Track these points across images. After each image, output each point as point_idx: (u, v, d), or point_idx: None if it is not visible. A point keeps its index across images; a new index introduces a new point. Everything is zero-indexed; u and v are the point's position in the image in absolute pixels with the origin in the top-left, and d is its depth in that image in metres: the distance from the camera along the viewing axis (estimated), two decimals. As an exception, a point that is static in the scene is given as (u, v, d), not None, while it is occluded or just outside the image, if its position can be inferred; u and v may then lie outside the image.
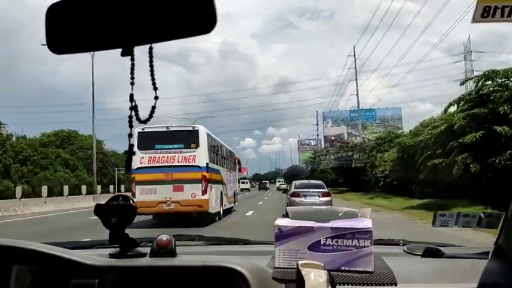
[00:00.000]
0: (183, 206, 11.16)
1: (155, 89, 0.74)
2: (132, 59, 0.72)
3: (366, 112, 63.64)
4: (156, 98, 0.74)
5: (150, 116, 0.74)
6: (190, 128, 12.30)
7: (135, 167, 10.87)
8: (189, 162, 11.38)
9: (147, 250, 1.00)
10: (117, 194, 1.04)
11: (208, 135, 12.36)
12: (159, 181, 11.25)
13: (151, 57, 0.72)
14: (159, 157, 11.45)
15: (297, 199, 13.31)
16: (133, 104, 0.73)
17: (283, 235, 1.01)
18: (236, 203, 17.24)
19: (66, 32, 0.74)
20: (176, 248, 0.99)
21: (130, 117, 0.74)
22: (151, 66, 0.73)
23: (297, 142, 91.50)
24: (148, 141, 11.37)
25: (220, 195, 13.14)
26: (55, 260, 0.93)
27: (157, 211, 11.29)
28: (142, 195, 11.09)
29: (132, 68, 0.73)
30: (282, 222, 1.03)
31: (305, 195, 13.60)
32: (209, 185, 11.53)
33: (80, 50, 0.76)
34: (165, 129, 11.79)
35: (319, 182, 15.70)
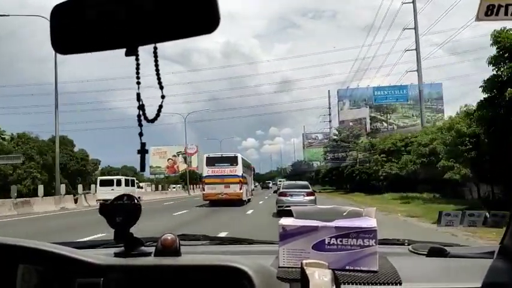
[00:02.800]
0: (229, 196, 21.35)
1: (161, 88, 0.74)
2: (137, 59, 0.73)
3: (393, 89, 47.25)
4: (163, 97, 0.74)
5: (157, 115, 0.75)
6: (233, 155, 23.19)
7: (204, 175, 22.56)
8: (232, 173, 21.87)
9: (152, 249, 1.01)
10: (122, 193, 1.05)
11: (242, 158, 23.48)
12: (217, 183, 21.70)
13: (156, 56, 0.72)
14: (217, 170, 22.09)
15: (284, 198, 14.96)
16: (141, 103, 0.74)
17: (287, 234, 1.01)
18: (252, 196, 27.49)
19: (70, 32, 0.75)
20: (181, 248, 1.00)
21: (139, 116, 0.74)
22: (156, 65, 0.73)
23: (302, 136, 76.76)
24: (212, 161, 22.40)
25: (246, 190, 23.44)
26: (61, 259, 0.94)
27: (216, 199, 21.47)
28: (208, 190, 21.90)
29: (137, 68, 0.74)
30: (286, 221, 1.03)
31: (291, 195, 15.11)
32: (242, 185, 22.08)
33: (85, 50, 0.76)
34: (220, 155, 23.19)
35: (305, 182, 17.70)
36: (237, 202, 20.86)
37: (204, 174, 22.85)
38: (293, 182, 19.07)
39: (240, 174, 22.01)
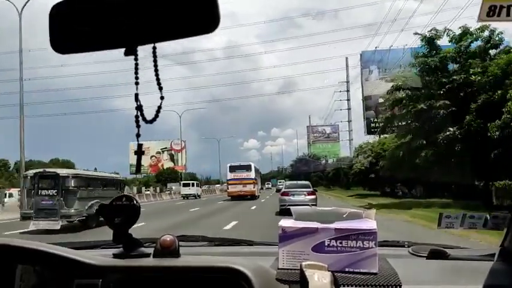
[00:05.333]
0: (246, 193, 30.57)
1: (160, 88, 0.74)
2: (136, 59, 0.72)
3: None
4: (162, 98, 0.74)
5: (156, 115, 0.74)
6: (248, 164, 33.27)
7: (228, 178, 33.08)
8: (248, 176, 31.54)
9: (151, 250, 1.00)
10: (121, 194, 1.05)
11: (254, 166, 33.75)
12: (237, 183, 31.21)
13: (155, 56, 0.72)
14: (237, 175, 31.56)
15: (286, 197, 15.52)
16: (139, 103, 0.73)
17: (287, 236, 1.00)
18: (260, 193, 36.79)
19: (69, 32, 0.74)
20: (180, 249, 0.99)
21: (136, 116, 0.74)
22: (155, 66, 0.72)
23: (307, 129, 66.19)
24: (233, 168, 32.45)
25: (257, 188, 33.22)
26: (59, 260, 0.93)
27: (236, 195, 30.35)
28: (231, 189, 31.72)
29: (136, 68, 0.73)
30: (286, 223, 1.02)
31: (293, 194, 15.67)
32: (255, 184, 32.19)
33: (83, 50, 0.76)
34: (239, 164, 33.15)
35: (307, 182, 18.23)
36: (251, 197, 30.31)
37: (227, 178, 33.06)
38: (295, 182, 19.84)
39: (253, 177, 31.99)
